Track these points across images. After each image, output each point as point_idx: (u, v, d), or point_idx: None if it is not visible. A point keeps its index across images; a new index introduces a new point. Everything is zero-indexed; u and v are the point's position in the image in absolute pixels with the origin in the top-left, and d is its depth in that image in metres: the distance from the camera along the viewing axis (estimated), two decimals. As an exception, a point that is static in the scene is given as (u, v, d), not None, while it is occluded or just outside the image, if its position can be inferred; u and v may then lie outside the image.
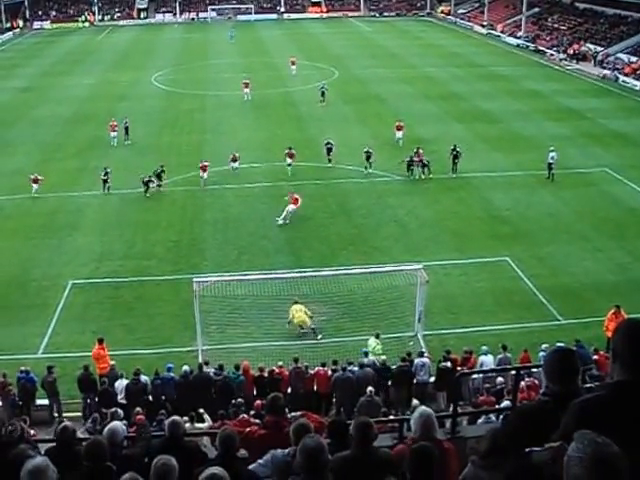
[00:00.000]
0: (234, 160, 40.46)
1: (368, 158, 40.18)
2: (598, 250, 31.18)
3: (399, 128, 45.26)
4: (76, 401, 21.66)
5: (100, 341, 22.40)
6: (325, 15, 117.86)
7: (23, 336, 25.52)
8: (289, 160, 39.63)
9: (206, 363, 21.63)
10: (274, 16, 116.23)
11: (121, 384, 20.57)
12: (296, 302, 25.06)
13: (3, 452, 6.89)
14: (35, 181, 38.28)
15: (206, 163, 38.96)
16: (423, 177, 39.31)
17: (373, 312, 25.00)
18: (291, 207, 33.65)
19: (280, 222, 33.39)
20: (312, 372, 21.16)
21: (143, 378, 20.77)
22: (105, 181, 38.56)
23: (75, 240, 32.83)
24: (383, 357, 21.79)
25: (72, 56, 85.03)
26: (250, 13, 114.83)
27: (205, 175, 38.63)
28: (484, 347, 21.64)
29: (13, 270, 30.33)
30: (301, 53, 80.00)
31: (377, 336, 22.69)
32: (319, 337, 24.83)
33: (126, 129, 47.34)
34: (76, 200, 37.61)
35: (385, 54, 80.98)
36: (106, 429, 8.61)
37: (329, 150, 41.17)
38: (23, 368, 21.64)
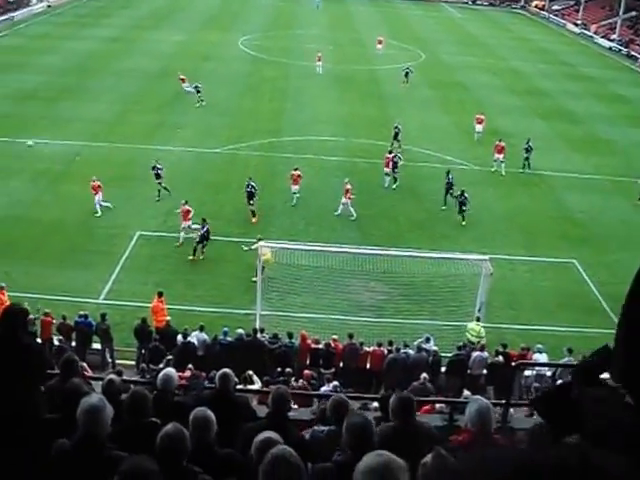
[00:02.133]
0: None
1: (396, 136, 39.77)
2: (671, 263, 30.22)
3: (479, 122, 43.80)
4: (131, 349, 22.07)
5: (160, 294, 22.71)
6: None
7: (86, 281, 26.01)
8: (294, 187, 33.38)
9: (261, 330, 21.72)
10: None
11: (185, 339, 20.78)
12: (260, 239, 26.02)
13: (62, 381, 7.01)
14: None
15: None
16: (504, 174, 38.40)
17: (433, 297, 24.77)
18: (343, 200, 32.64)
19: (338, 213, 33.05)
20: (366, 349, 21.13)
21: (201, 336, 21.03)
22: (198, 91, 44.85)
23: (146, 192, 33.22)
24: (483, 341, 21.89)
25: (162, 11, 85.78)
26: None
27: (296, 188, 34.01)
28: (539, 345, 21.25)
29: (83, 215, 30.90)
30: (390, 32, 79.22)
31: (478, 319, 22.76)
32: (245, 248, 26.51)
33: (197, 90, 47.08)
34: (151, 154, 37.91)
35: (474, 43, 79.76)
36: (160, 374, 8.62)
37: (396, 135, 40.45)
38: (82, 312, 22.09)
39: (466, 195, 32.31)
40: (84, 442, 5.33)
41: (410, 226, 31.32)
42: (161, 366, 17.55)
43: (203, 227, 27.66)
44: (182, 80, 49.98)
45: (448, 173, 33.98)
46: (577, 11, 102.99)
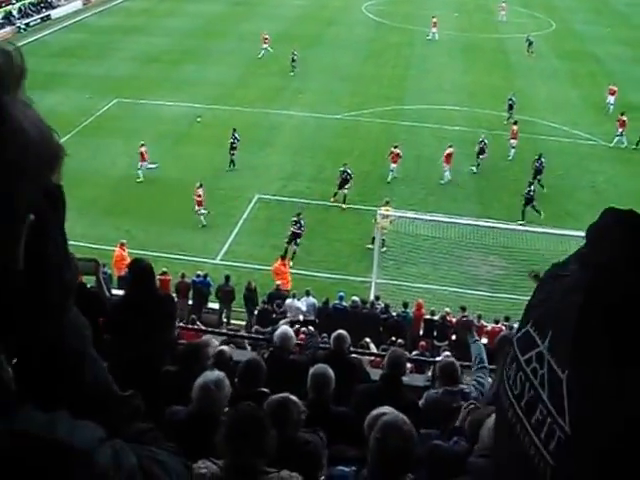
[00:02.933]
0: None
1: (510, 108, 38.45)
2: None
3: (612, 93, 41.96)
4: (243, 310, 22.25)
5: (282, 257, 22.79)
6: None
7: (204, 241, 26.44)
8: (392, 165, 31.80)
9: (377, 298, 21.61)
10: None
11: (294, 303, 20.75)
12: (388, 202, 26.24)
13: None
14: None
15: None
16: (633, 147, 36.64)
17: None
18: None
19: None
20: (483, 323, 20.58)
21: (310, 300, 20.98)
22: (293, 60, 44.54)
23: (267, 156, 33.34)
24: None
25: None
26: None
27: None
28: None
29: (204, 177, 31.11)
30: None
31: None
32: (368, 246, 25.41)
33: (293, 59, 46.09)
34: (273, 118, 38.14)
35: (610, 11, 76.27)
36: (278, 332, 8.56)
37: (510, 107, 38.90)
38: (200, 272, 22.39)
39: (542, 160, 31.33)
40: (197, 418, 5.21)
41: (548, 199, 30.23)
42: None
43: (297, 223, 26.00)
44: (265, 40, 49.95)
45: (540, 157, 31.93)
46: None
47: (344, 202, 29.12)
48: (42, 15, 62.89)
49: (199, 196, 27.79)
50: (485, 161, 33.00)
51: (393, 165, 31.35)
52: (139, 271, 6.98)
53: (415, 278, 23.95)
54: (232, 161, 32.19)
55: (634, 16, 73.33)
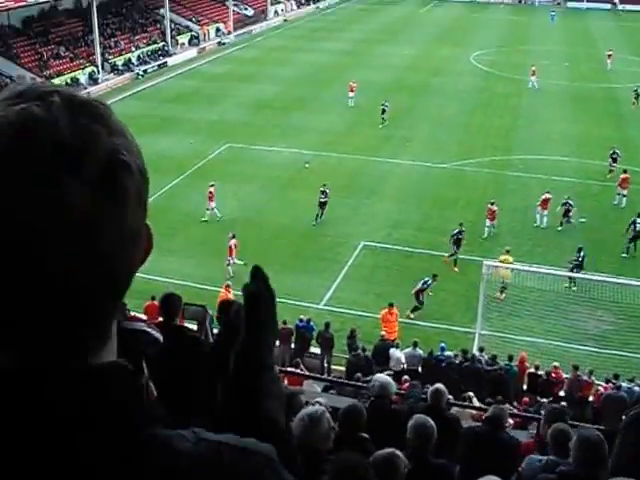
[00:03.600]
0: None
1: (614, 160, 37.10)
2: None
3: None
4: (346, 356, 22.26)
5: (391, 305, 22.82)
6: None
7: (309, 286, 26.70)
8: (488, 222, 31.03)
9: (481, 349, 21.38)
10: (607, 6, 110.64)
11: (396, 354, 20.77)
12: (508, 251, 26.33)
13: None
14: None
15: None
16: None
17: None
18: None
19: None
20: (594, 380, 20.06)
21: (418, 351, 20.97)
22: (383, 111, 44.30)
23: (373, 204, 33.64)
24: None
25: (393, 26, 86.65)
26: (582, 0, 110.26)
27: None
28: None
29: (310, 223, 31.69)
30: (633, 49, 75.52)
31: None
32: (503, 296, 24.98)
33: (383, 111, 45.34)
34: (380, 165, 38.48)
35: None
36: (378, 381, 8.63)
37: (614, 159, 37.33)
38: (303, 317, 22.60)
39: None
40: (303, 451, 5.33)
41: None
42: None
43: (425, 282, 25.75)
44: (351, 89, 50.14)
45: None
46: None
47: (455, 265, 28.26)
48: (159, 62, 65.85)
49: (233, 246, 27.72)
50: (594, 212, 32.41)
51: (489, 222, 30.73)
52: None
53: (520, 331, 23.57)
54: (318, 215, 31.89)
55: None
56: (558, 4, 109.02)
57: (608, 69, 62.81)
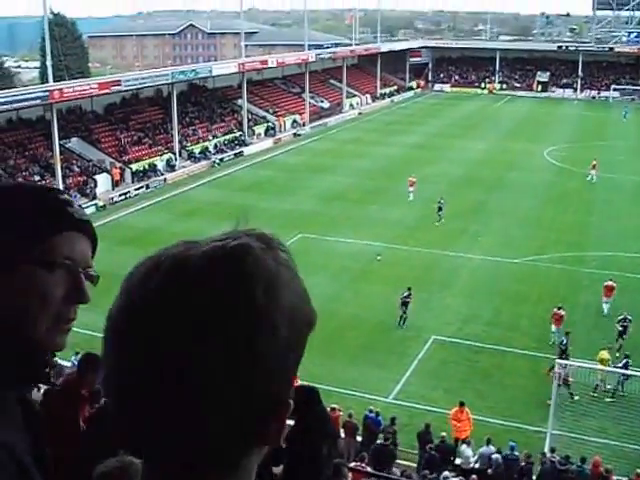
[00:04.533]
0: None
1: None
2: None
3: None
4: (414, 452, 22.01)
5: (462, 404, 22.56)
6: None
7: (378, 378, 26.60)
8: (554, 327, 29.43)
9: (552, 450, 20.95)
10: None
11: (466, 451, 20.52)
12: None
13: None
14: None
15: None
16: None
17: None
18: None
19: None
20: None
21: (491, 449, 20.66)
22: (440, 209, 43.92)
23: (444, 298, 33.58)
24: None
25: (467, 120, 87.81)
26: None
27: None
28: None
29: (382, 315, 31.78)
30: None
31: None
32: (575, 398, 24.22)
33: (439, 208, 44.87)
34: (452, 259, 38.49)
35: None
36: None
37: None
38: (373, 408, 22.55)
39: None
40: None
41: None
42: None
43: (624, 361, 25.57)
44: (411, 184, 50.29)
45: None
46: None
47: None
48: (235, 152, 67.85)
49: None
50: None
51: (555, 327, 29.22)
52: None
53: (593, 431, 22.96)
54: (402, 318, 31.13)
55: None
56: (632, 99, 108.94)
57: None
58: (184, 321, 1.14)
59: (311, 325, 1.32)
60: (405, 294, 30.68)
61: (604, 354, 25.87)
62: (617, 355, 27.46)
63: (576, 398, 24.52)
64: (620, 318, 28.95)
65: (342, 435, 21.78)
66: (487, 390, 25.85)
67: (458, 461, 21.57)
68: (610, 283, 32.21)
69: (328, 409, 21.15)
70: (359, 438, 22.28)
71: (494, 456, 20.83)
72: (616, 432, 22.90)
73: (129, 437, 1.21)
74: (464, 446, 20.69)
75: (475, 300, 33.05)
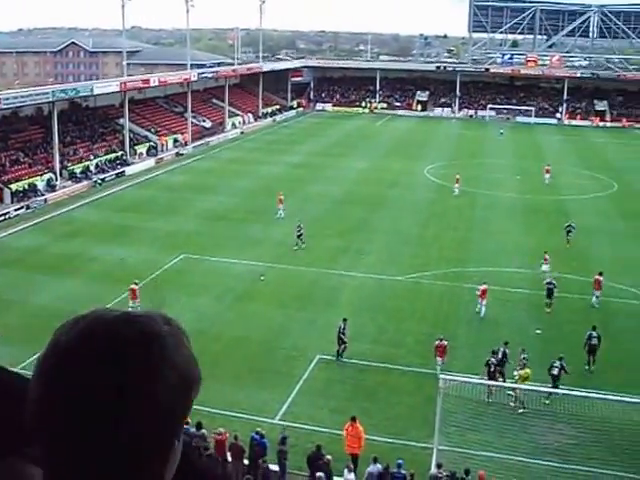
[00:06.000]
0: None
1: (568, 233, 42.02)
2: None
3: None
4: (303, 473, 21.58)
5: (353, 419, 22.30)
6: (609, 124, 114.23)
7: (264, 399, 26.20)
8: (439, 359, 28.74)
9: (439, 465, 20.94)
10: (554, 121, 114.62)
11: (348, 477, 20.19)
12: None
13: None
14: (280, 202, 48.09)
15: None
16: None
17: (630, 447, 22.72)
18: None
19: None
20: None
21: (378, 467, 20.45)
22: (299, 236, 42.54)
23: (328, 316, 33.28)
24: None
25: (349, 139, 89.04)
26: (529, 115, 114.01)
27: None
28: None
29: (265, 335, 31.37)
30: (579, 161, 77.93)
31: None
32: (520, 411, 24.74)
33: (299, 236, 43.21)
34: (335, 278, 38.43)
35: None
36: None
37: (568, 232, 41.81)
38: (259, 430, 22.10)
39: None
40: None
41: (603, 365, 29.14)
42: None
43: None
44: (280, 201, 50.27)
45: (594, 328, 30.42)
46: None
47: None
48: (117, 171, 66.47)
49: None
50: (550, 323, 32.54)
51: (439, 359, 28.31)
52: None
53: (479, 446, 23.06)
54: (339, 351, 29.73)
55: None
56: (508, 118, 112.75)
57: (546, 183, 64.02)
58: (91, 370, 1.38)
59: (197, 382, 1.54)
60: (342, 326, 29.33)
61: (527, 371, 26.11)
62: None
63: (520, 411, 24.99)
64: (498, 349, 28.39)
65: (229, 458, 21.36)
66: (373, 408, 25.63)
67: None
68: (484, 287, 34.06)
69: (214, 433, 20.74)
70: (246, 461, 21.76)
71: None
72: (500, 444, 23.08)
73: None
74: (345, 471, 20.41)
75: (359, 318, 32.92)
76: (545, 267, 38.71)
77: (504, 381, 27.41)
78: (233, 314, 33.71)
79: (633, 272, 38.61)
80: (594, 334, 29.56)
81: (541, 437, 24.18)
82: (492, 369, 27.22)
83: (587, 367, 29.29)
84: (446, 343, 28.48)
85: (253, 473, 20.72)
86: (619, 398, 24.29)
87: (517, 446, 23.15)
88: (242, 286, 37.24)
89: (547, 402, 25.80)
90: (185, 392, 1.50)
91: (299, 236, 43.10)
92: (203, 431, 21.59)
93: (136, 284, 33.32)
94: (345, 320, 29.71)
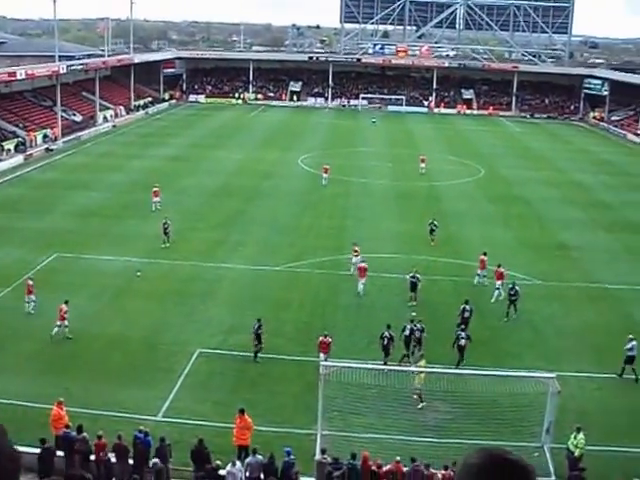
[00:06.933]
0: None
1: (432, 232, 42.66)
2: None
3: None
4: (188, 469, 21.56)
5: (241, 411, 22.34)
6: (475, 112, 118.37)
7: (146, 397, 25.86)
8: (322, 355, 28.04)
9: (323, 451, 21.29)
10: (424, 109, 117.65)
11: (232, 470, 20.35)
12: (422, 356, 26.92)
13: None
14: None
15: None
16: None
17: (499, 417, 23.80)
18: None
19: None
20: (433, 472, 20.36)
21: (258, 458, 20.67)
22: (166, 233, 41.63)
23: (207, 309, 33.34)
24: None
25: (223, 130, 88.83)
26: (401, 104, 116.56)
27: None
28: None
29: (144, 332, 31.02)
30: (448, 148, 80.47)
31: (578, 430, 22.33)
32: (419, 406, 25.27)
33: (165, 230, 42.04)
34: (212, 270, 38.38)
35: (533, 156, 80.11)
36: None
37: (432, 231, 42.82)
38: (142, 428, 21.84)
39: (517, 289, 33.33)
40: None
41: (474, 344, 30.24)
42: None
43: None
44: (155, 193, 50.06)
45: (513, 286, 33.60)
46: (637, 121, 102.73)
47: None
48: (-17, 170, 63.49)
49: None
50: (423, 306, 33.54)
51: (323, 355, 27.76)
52: None
53: (361, 428, 23.67)
54: (256, 352, 29.14)
55: (558, 160, 77.06)
56: (380, 108, 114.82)
57: (421, 172, 65.28)
58: None
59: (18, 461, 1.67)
60: (256, 326, 28.96)
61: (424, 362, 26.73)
62: None
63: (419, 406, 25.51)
64: (385, 334, 29.00)
65: (113, 460, 21.03)
66: (256, 399, 25.75)
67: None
68: (363, 265, 35.47)
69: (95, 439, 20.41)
70: (131, 461, 21.48)
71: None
72: (382, 425, 23.76)
73: None
74: (229, 466, 20.53)
75: (239, 310, 33.09)
76: (355, 259, 37.77)
77: (420, 350, 28.92)
78: (111, 312, 33.14)
79: (502, 254, 40.06)
80: (467, 307, 31.31)
81: (420, 415, 24.99)
82: (386, 342, 28.36)
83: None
84: (330, 340, 28.24)
85: (139, 473, 20.53)
86: (487, 373, 25.52)
87: (397, 425, 23.88)
88: (119, 283, 36.65)
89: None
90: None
91: (166, 233, 42.08)
92: (84, 434, 21.23)
93: (31, 279, 32.65)
94: (259, 320, 29.16)
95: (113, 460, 21.08)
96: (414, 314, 32.10)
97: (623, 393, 27.73)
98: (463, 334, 29.05)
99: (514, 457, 2.05)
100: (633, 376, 28.50)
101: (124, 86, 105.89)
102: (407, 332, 29.04)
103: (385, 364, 28.10)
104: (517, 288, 33.45)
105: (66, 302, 30.49)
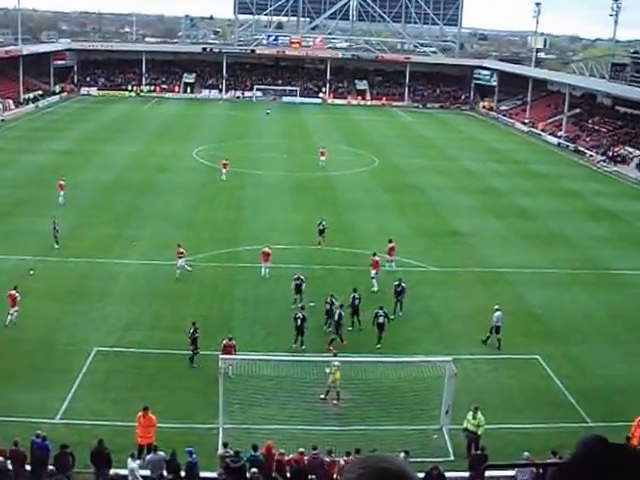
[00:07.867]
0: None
1: (321, 232, 41.84)
2: (631, 354, 30.47)
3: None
4: (89, 471, 21.13)
5: (145, 409, 22.03)
6: (369, 103, 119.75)
7: (42, 399, 25.15)
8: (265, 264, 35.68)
9: (225, 445, 21.26)
10: (318, 100, 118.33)
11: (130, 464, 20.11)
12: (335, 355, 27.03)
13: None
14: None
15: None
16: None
17: (399, 402, 24.44)
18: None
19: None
20: (335, 459, 20.59)
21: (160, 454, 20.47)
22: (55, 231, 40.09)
23: (103, 307, 32.76)
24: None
25: (116, 124, 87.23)
26: (295, 95, 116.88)
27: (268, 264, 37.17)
28: (526, 453, 20.47)
29: (39, 332, 30.21)
30: (343, 139, 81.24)
31: (476, 409, 22.85)
32: (334, 402, 25.41)
33: (54, 230, 40.33)
34: (108, 267, 37.70)
35: (426, 145, 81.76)
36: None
37: (321, 232, 42.02)
38: (39, 432, 21.14)
39: (403, 285, 33.36)
40: None
41: (371, 331, 30.82)
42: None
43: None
44: (61, 187, 49.06)
45: (400, 282, 33.71)
46: (524, 110, 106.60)
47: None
48: None
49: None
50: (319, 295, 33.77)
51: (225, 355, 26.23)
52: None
53: (263, 420, 23.77)
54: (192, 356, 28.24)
55: (450, 149, 78.88)
56: (274, 99, 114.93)
57: (321, 165, 65.27)
58: None
59: None
60: (191, 330, 28.00)
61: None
62: None
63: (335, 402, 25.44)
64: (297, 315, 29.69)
65: (10, 467, 20.38)
66: (155, 395, 25.38)
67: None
68: (266, 249, 36.46)
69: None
70: (28, 467, 20.85)
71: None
72: (283, 416, 23.94)
73: None
74: (129, 460, 20.25)
75: (135, 306, 32.66)
76: (181, 261, 36.72)
77: (359, 321, 30.98)
78: (3, 312, 32.16)
79: (398, 242, 40.60)
80: (356, 295, 31.72)
81: (321, 404, 25.24)
82: (299, 323, 29.11)
83: (351, 328, 31.13)
84: (234, 342, 27.46)
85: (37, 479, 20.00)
86: (386, 360, 26.05)
87: (299, 415, 24.12)
88: (11, 283, 35.20)
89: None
90: None
91: (55, 235, 40.43)
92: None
93: (16, 289, 31.08)
94: (194, 323, 28.25)
95: (10, 467, 20.43)
96: (312, 304, 32.34)
97: (517, 373, 28.75)
98: (381, 312, 29.81)
99: (387, 464, 2.03)
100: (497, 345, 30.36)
101: (12, 79, 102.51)
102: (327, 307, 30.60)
103: (295, 343, 29.05)
104: (403, 285, 33.37)
105: (15, 288, 30.56)
